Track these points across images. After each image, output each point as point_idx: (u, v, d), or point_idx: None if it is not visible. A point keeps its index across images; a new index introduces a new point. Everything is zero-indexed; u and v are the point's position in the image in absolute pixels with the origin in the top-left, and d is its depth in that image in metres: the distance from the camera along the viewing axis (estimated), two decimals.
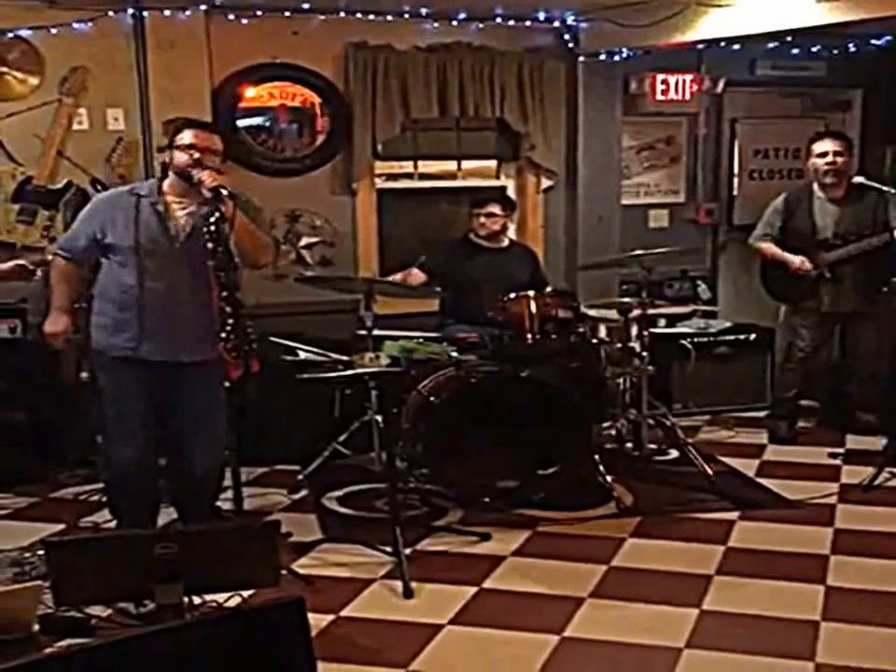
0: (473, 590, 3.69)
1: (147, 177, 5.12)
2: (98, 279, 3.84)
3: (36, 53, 5.18)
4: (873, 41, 6.23)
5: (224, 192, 3.51)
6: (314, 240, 5.93)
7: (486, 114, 5.98)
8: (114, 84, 5.31)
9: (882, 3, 4.70)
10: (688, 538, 4.18)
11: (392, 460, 4.08)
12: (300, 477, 4.90)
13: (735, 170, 6.77)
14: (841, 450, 5.36)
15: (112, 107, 5.34)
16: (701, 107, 6.53)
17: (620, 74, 6.24)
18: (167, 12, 5.27)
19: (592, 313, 5.19)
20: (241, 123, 5.71)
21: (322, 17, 5.61)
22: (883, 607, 3.50)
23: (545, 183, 6.33)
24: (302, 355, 4.54)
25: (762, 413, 5.92)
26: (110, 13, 5.23)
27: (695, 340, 6.08)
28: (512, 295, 4.78)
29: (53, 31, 5.14)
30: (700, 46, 5.94)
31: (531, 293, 4.79)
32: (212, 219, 3.57)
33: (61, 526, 4.36)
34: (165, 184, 3.80)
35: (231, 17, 5.45)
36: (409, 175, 6.28)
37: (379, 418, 4.52)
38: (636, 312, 4.95)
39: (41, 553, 3.71)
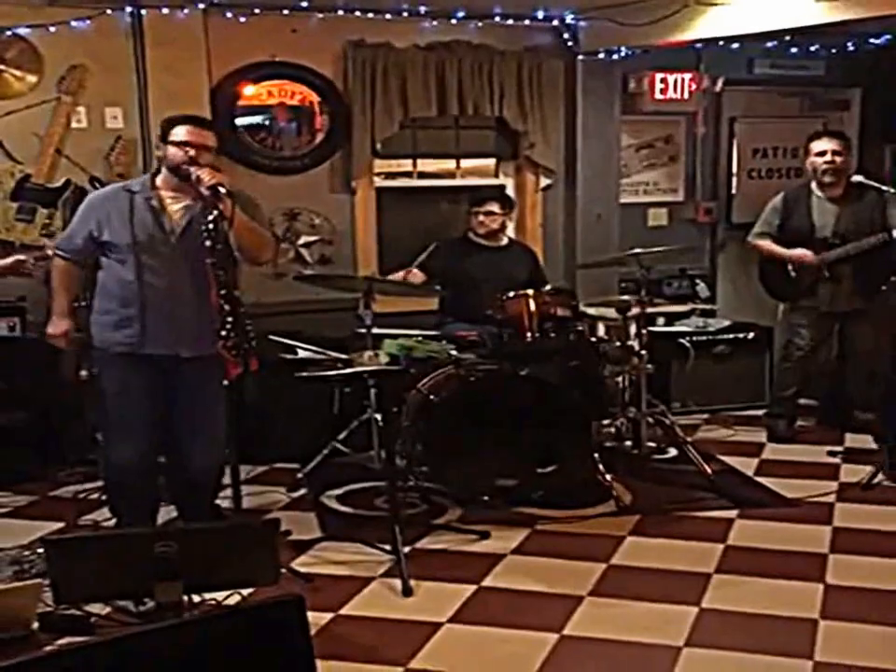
0: (472, 588, 3.70)
1: None
2: (98, 277, 3.84)
3: (35, 51, 5.18)
4: (871, 40, 6.23)
5: (223, 190, 3.50)
6: (313, 238, 5.93)
7: (485, 112, 5.98)
8: (112, 82, 5.31)
9: (881, 2, 4.69)
10: (687, 536, 4.18)
11: (391, 458, 4.08)
12: (299, 475, 4.91)
13: (734, 169, 6.78)
14: (840, 448, 5.36)
15: (111, 106, 5.34)
16: (700, 106, 6.54)
17: (619, 73, 6.25)
18: (165, 10, 5.26)
19: (591, 311, 5.19)
20: (240, 122, 5.71)
21: (321, 15, 5.61)
22: (881, 605, 3.50)
23: (544, 181, 6.33)
24: (302, 353, 4.55)
25: (760, 412, 5.92)
26: (109, 11, 5.23)
27: (694, 338, 6.08)
28: (511, 294, 4.78)
29: (52, 29, 5.14)
30: (699, 45, 5.94)
31: (530, 292, 4.79)
32: (210, 217, 3.57)
33: (60, 525, 4.36)
34: (158, 179, 3.79)
35: (230, 15, 5.45)
36: (408, 174, 6.28)
37: (378, 416, 4.52)
38: (634, 310, 4.95)
39: (41, 551, 3.71)
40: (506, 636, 3.34)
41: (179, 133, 3.70)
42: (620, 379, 5.10)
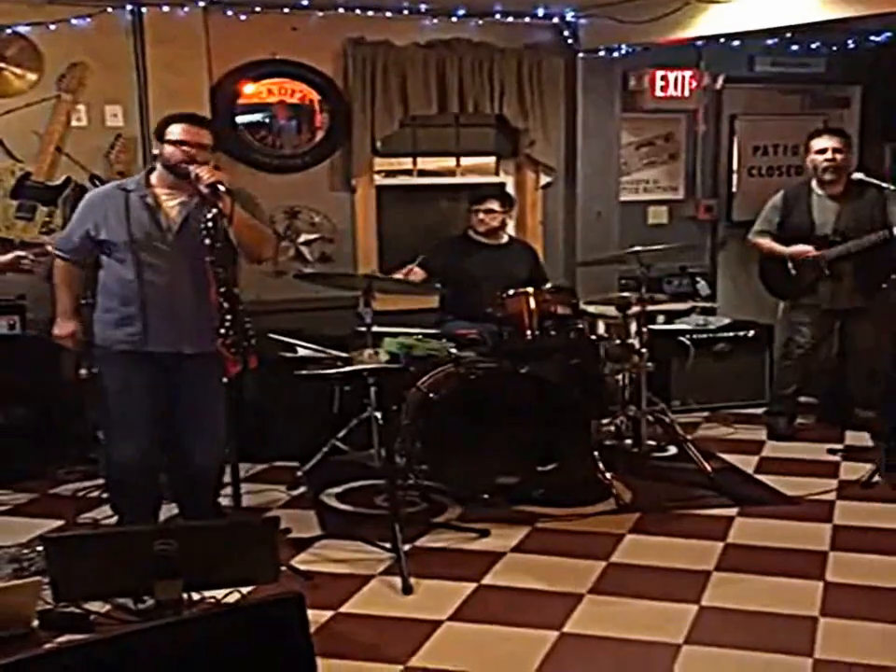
0: (472, 586, 3.70)
1: None
2: (99, 276, 3.84)
3: (35, 49, 5.18)
4: (872, 38, 6.23)
5: (222, 188, 3.50)
6: (313, 236, 5.93)
7: (485, 110, 5.98)
8: (112, 80, 5.31)
9: None
10: (687, 534, 4.18)
11: (391, 457, 4.08)
12: (299, 473, 4.91)
13: (735, 166, 6.77)
14: (840, 446, 5.36)
15: (111, 104, 5.34)
16: (700, 104, 6.53)
17: (619, 70, 6.25)
18: (166, 8, 5.26)
19: (591, 309, 5.19)
20: (240, 120, 5.71)
21: (321, 13, 5.61)
22: (881, 603, 3.50)
23: (544, 179, 6.33)
24: (302, 351, 4.54)
25: (760, 410, 5.92)
26: (109, 9, 5.23)
27: (694, 336, 6.08)
28: (511, 292, 4.78)
29: (52, 27, 5.14)
30: (699, 42, 5.94)
31: (530, 290, 4.78)
32: (209, 215, 3.57)
33: (60, 523, 4.36)
34: (153, 177, 3.79)
35: (230, 13, 5.45)
36: (408, 172, 6.28)
37: (378, 415, 4.52)
38: (635, 308, 4.95)
39: (40, 548, 3.71)
40: (506, 634, 3.34)
41: (175, 131, 3.69)
42: (620, 377, 5.10)
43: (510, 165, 6.40)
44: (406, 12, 5.70)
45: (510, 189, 6.27)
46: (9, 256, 3.96)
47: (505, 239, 5.55)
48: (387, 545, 3.85)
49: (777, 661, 3.13)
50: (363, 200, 6.01)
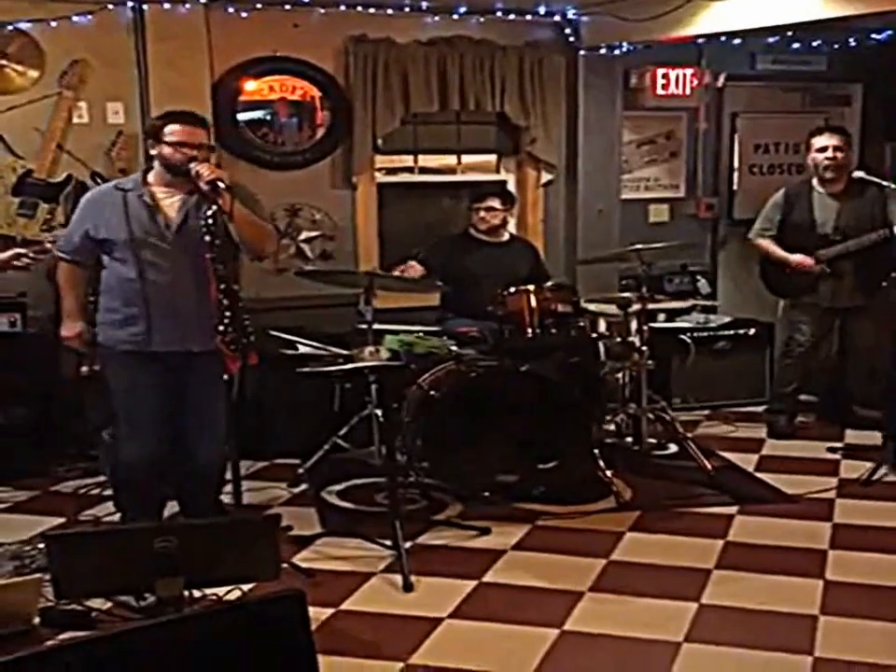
0: (473, 584, 3.70)
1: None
2: (102, 276, 3.84)
3: (36, 46, 5.18)
4: (873, 36, 6.22)
5: (221, 186, 3.50)
6: (314, 234, 5.93)
7: (487, 108, 5.98)
8: (114, 77, 5.32)
9: None
10: (687, 532, 4.19)
11: (392, 454, 4.09)
12: (300, 471, 4.91)
13: (736, 164, 6.77)
14: (840, 444, 5.36)
15: (112, 101, 5.34)
16: (701, 102, 6.53)
17: (620, 68, 6.25)
18: (167, 5, 5.26)
19: (591, 307, 5.19)
20: (241, 117, 5.71)
21: (322, 10, 5.61)
22: (881, 601, 3.51)
23: (545, 177, 6.33)
24: (302, 349, 4.54)
25: (761, 408, 5.92)
26: (110, 6, 5.23)
27: (695, 334, 6.08)
28: (512, 289, 4.78)
29: (53, 24, 5.14)
30: (700, 40, 5.93)
31: (531, 287, 4.78)
32: (209, 213, 3.57)
33: (61, 520, 4.37)
34: (150, 175, 3.78)
35: (231, 10, 5.45)
36: (409, 169, 6.28)
37: (379, 412, 4.52)
38: (635, 306, 4.96)
39: (41, 546, 3.71)
40: (506, 631, 3.35)
41: (173, 132, 3.65)
42: (620, 375, 5.11)
43: (511, 163, 6.40)
44: (407, 9, 5.69)
45: (511, 186, 6.27)
46: (8, 253, 3.95)
47: (506, 237, 5.55)
48: (388, 543, 3.86)
49: (777, 659, 3.13)
50: (364, 197, 6.01)
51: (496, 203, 5.39)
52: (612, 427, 5.22)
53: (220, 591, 3.34)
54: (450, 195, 6.44)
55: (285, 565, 3.54)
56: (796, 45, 6.47)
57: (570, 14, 5.99)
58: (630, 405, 5.10)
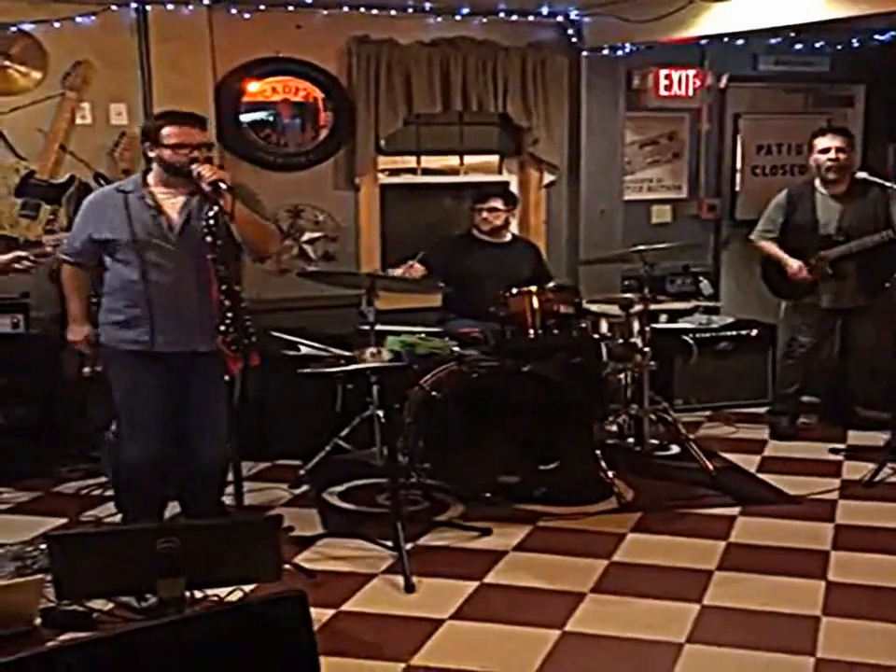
0: (474, 585, 3.70)
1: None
2: (105, 278, 3.84)
3: (40, 47, 5.18)
4: (876, 36, 6.20)
5: (223, 186, 3.50)
6: (316, 235, 5.93)
7: (489, 109, 5.98)
8: (117, 78, 5.32)
9: None
10: (689, 533, 4.18)
11: (394, 455, 4.08)
12: (301, 472, 4.91)
13: (738, 165, 6.77)
14: (842, 445, 5.36)
15: (115, 102, 5.35)
16: (704, 103, 6.53)
17: (623, 69, 6.25)
18: (170, 6, 5.26)
19: (594, 308, 5.19)
20: (244, 118, 5.71)
21: (325, 11, 5.61)
22: (883, 602, 3.51)
23: (548, 178, 6.33)
24: (304, 349, 4.55)
25: (763, 409, 5.92)
26: (113, 7, 5.24)
27: (697, 335, 6.07)
28: (514, 290, 4.78)
29: (56, 25, 5.14)
30: (703, 41, 5.93)
31: (533, 288, 4.79)
32: (211, 213, 3.57)
33: (63, 521, 4.37)
34: (150, 177, 3.78)
35: (234, 11, 5.45)
36: (412, 170, 6.28)
37: (380, 413, 4.52)
38: (637, 307, 4.95)
39: (43, 546, 3.72)
40: (508, 632, 3.35)
41: (170, 135, 3.64)
42: (622, 376, 5.10)
43: (513, 164, 6.40)
44: (410, 10, 5.70)
45: (513, 187, 6.26)
46: (9, 255, 3.96)
47: (508, 237, 5.55)
48: (389, 543, 3.86)
49: (779, 660, 3.13)
50: (367, 198, 6.01)
51: (498, 204, 5.39)
52: (614, 427, 5.21)
53: (222, 592, 3.34)
54: (452, 196, 6.44)
55: (286, 566, 3.54)
56: (799, 46, 6.46)
57: (573, 15, 5.99)
58: (632, 406, 5.10)
